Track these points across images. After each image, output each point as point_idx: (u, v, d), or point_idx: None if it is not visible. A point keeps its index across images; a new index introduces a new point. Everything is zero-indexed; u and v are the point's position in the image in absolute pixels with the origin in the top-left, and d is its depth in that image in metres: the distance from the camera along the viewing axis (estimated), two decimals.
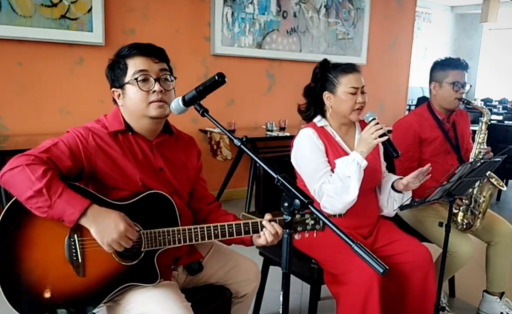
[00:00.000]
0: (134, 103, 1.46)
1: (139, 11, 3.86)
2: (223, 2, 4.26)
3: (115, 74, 1.49)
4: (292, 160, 2.00)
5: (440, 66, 2.39)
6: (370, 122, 1.80)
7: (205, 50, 4.29)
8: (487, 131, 2.34)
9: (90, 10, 3.55)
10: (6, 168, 1.29)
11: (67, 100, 3.61)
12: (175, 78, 1.54)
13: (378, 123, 1.79)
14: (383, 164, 2.09)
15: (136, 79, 1.44)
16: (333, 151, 1.93)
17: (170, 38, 4.03)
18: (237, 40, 4.43)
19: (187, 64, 4.12)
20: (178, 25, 4.09)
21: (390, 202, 2.00)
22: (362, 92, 1.92)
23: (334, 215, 1.56)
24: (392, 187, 1.97)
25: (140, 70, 1.45)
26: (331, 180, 1.85)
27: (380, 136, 1.76)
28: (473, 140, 2.43)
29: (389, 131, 2.49)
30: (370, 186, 1.99)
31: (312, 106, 2.02)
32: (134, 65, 1.46)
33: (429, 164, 1.86)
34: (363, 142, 1.81)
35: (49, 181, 1.26)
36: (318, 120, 2.00)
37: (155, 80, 1.46)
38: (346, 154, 1.93)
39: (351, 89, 1.89)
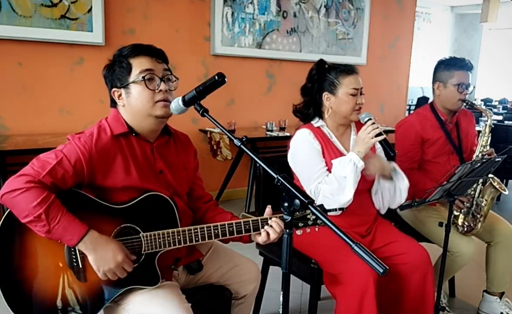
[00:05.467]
0: (140, 102, 1.45)
1: (139, 11, 3.86)
2: (223, 2, 4.26)
3: (117, 74, 1.48)
4: (289, 160, 2.00)
5: (445, 66, 2.35)
6: (366, 122, 1.81)
7: (205, 50, 4.28)
8: (490, 134, 2.32)
9: (90, 10, 3.54)
10: (7, 188, 1.28)
11: (67, 100, 3.61)
12: (177, 78, 1.54)
13: (374, 123, 1.79)
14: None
15: (143, 78, 1.44)
16: (329, 152, 1.93)
17: (170, 38, 4.02)
18: (237, 40, 4.43)
19: (187, 64, 4.11)
20: (178, 25, 4.09)
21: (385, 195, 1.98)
22: (361, 93, 1.93)
23: (335, 209, 1.54)
24: None
25: (147, 69, 1.45)
26: (327, 181, 1.84)
27: (377, 135, 1.76)
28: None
29: (388, 131, 2.48)
30: (365, 186, 1.97)
31: (312, 106, 2.01)
32: (140, 64, 1.45)
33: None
34: (360, 142, 1.81)
35: (48, 207, 1.27)
36: (315, 121, 2.00)
37: (161, 79, 1.46)
38: (342, 154, 1.93)
39: (352, 91, 1.89)
